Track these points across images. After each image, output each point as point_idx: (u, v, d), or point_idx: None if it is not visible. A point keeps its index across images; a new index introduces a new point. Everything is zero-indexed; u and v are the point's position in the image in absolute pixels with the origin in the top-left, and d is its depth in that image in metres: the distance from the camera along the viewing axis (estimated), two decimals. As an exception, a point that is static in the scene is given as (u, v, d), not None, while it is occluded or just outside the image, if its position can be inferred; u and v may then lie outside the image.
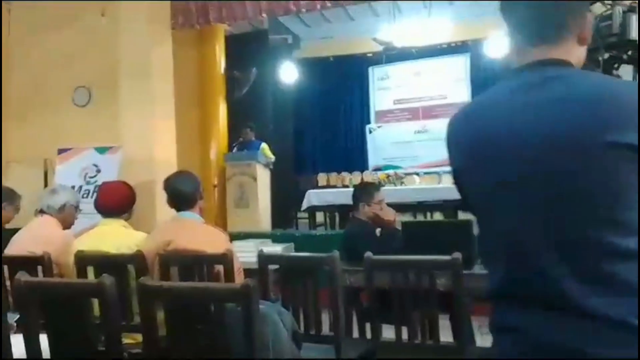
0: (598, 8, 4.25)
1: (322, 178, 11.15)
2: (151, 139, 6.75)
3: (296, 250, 4.69)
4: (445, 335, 3.15)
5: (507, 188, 1.31)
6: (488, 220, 1.40)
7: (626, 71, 3.83)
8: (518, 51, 1.40)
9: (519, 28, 1.39)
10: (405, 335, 3.08)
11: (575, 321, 1.21)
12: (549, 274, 1.24)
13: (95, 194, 4.15)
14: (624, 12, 4.02)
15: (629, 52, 3.86)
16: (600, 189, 1.21)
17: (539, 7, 1.36)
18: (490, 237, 1.39)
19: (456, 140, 1.45)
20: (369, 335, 3.39)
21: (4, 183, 5.33)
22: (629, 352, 1.18)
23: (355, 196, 4.40)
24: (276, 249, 4.40)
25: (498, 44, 10.68)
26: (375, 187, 4.67)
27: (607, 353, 1.19)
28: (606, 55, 3.65)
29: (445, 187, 9.45)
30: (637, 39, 3.92)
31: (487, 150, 1.34)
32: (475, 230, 3.80)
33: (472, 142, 1.38)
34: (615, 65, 3.70)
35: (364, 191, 4.43)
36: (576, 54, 1.38)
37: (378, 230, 4.27)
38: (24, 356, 2.24)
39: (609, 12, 4.18)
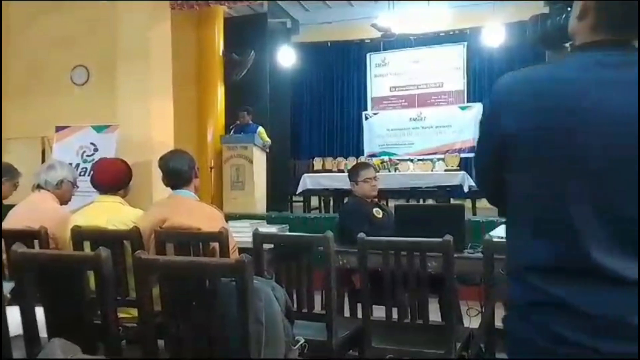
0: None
1: (317, 162, 11.16)
2: (148, 119, 6.75)
3: (290, 232, 4.73)
4: (434, 317, 3.21)
5: (569, 161, 1.34)
6: (537, 190, 1.40)
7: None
8: (591, 29, 1.43)
9: (608, 13, 1.41)
10: (395, 315, 3.14)
11: (625, 292, 1.28)
12: (597, 247, 1.30)
13: (92, 172, 4.16)
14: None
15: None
16: None
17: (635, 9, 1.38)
18: (537, 207, 1.40)
19: (519, 106, 1.43)
20: (359, 315, 3.45)
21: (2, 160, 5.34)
22: None
23: (348, 175, 4.69)
24: (271, 229, 4.43)
25: (495, 33, 10.71)
26: (361, 166, 4.79)
27: None
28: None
29: (439, 173, 9.52)
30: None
31: (561, 122, 1.35)
32: (468, 215, 3.83)
33: (544, 112, 1.38)
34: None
35: (352, 170, 4.68)
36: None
37: (375, 210, 4.38)
38: (20, 327, 2.26)
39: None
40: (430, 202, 9.24)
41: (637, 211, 1.29)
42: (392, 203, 8.07)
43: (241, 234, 3.90)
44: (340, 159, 11.21)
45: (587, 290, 1.30)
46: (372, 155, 12.23)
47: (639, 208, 1.29)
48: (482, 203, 8.21)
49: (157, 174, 3.57)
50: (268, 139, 9.50)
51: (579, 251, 1.31)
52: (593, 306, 1.29)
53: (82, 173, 6.20)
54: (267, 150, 9.48)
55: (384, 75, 13.26)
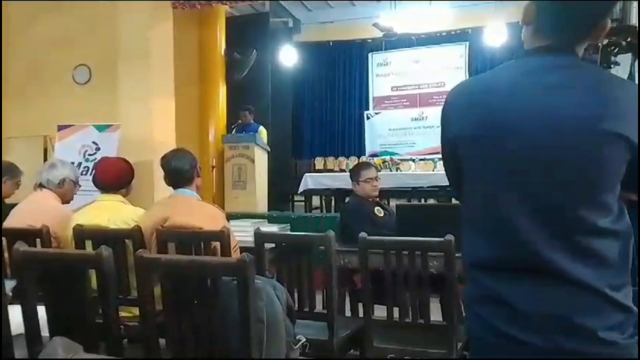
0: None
1: (319, 162, 11.17)
2: (150, 118, 6.75)
3: (292, 231, 4.72)
4: (436, 317, 3.21)
5: (506, 162, 1.37)
6: (479, 191, 1.44)
7: (624, 58, 3.79)
8: (533, 34, 1.45)
9: (547, 17, 1.43)
10: (396, 315, 3.14)
11: (562, 290, 1.31)
12: (535, 246, 1.33)
13: (93, 170, 4.16)
14: (625, -3, 4.00)
15: (629, 39, 3.81)
16: (592, 173, 1.31)
17: (575, 11, 1.39)
18: (480, 207, 1.44)
19: (462, 110, 1.47)
20: (361, 314, 3.44)
21: (4, 159, 5.34)
22: (609, 322, 1.29)
23: (350, 174, 4.68)
24: (272, 229, 4.43)
25: (497, 33, 10.70)
26: (363, 165, 4.79)
27: (590, 321, 1.29)
28: (605, 41, 3.63)
29: (440, 173, 9.50)
30: (637, 25, 3.90)
31: (496, 124, 1.39)
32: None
33: (481, 115, 1.41)
34: (615, 51, 3.65)
35: (354, 170, 4.67)
36: (583, 46, 1.45)
37: (377, 209, 4.40)
38: (21, 326, 2.26)
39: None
40: (431, 201, 9.24)
41: (573, 210, 1.31)
42: (393, 203, 8.06)
43: (242, 233, 3.89)
44: (341, 158, 11.23)
45: (530, 288, 1.34)
46: (374, 155, 12.22)
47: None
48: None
49: (159, 173, 3.57)
50: (266, 140, 9.48)
51: (519, 249, 1.35)
52: (533, 303, 1.33)
53: (84, 172, 6.20)
54: (269, 149, 9.47)
55: (385, 74, 13.27)
